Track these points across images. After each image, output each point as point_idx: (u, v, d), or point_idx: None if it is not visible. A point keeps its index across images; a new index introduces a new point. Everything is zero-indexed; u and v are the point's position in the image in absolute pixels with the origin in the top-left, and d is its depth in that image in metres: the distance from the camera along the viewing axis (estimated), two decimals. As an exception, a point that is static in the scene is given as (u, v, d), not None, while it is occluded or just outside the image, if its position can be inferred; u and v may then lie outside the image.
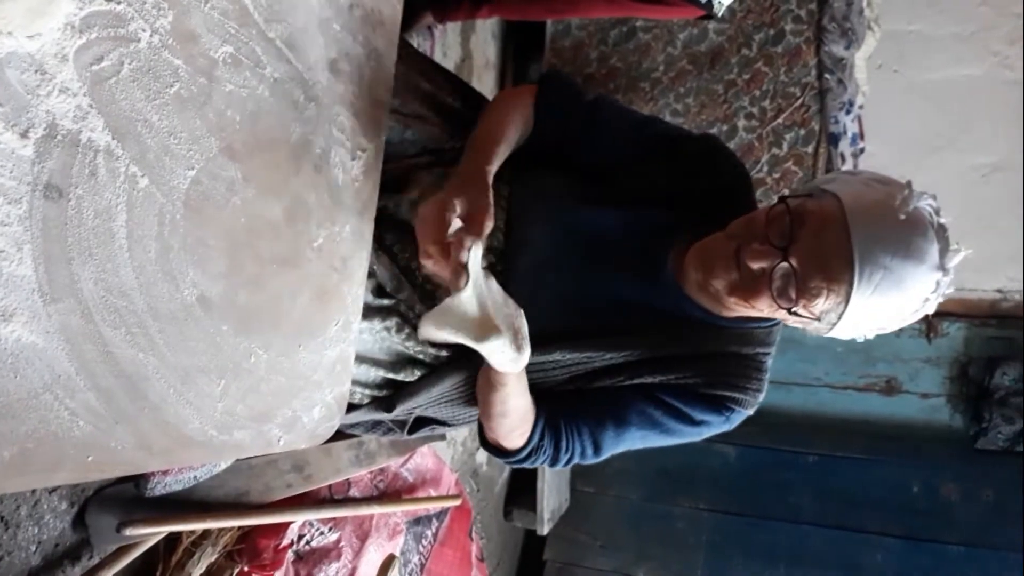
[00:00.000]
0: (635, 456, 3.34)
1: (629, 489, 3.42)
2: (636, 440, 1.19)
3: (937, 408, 3.16)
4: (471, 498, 2.86)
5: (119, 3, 0.74)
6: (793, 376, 3.30)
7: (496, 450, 1.20)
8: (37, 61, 0.68)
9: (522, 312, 0.96)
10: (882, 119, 2.87)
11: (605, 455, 1.21)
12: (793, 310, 1.01)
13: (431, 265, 0.98)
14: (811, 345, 3.29)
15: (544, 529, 3.20)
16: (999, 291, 3.07)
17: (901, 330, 3.03)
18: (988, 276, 3.06)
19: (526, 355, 0.96)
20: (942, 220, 1.00)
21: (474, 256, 0.91)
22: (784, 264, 0.99)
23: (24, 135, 0.67)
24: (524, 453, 1.17)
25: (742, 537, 3.22)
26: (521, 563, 3.58)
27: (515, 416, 1.12)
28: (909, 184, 1.04)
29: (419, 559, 1.81)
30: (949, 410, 3.15)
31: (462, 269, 0.92)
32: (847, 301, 0.98)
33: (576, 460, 1.20)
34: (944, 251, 0.97)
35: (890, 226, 0.96)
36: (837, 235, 0.97)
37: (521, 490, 3.36)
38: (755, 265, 1.01)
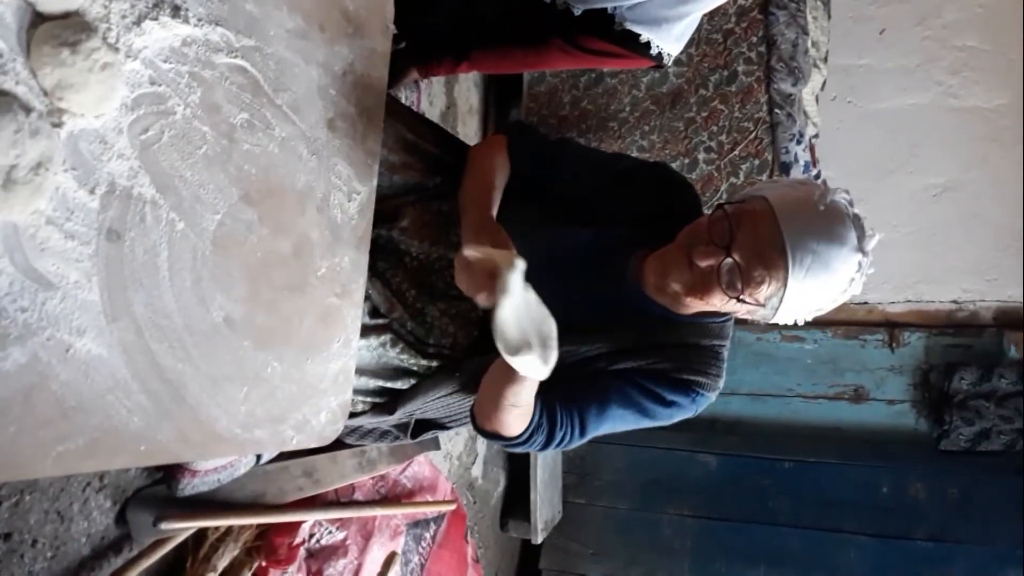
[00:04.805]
0: (623, 468, 3.52)
1: (618, 500, 3.56)
2: (616, 420, 1.31)
3: (903, 413, 3.30)
4: (468, 510, 3.00)
5: (160, 85, 0.93)
6: (767, 388, 3.45)
7: (493, 436, 1.28)
8: (101, 134, 0.86)
9: (554, 324, 1.04)
10: (839, 146, 3.06)
11: (590, 434, 1.32)
12: (741, 298, 1.15)
13: (484, 300, 1.10)
14: (783, 358, 3.44)
15: (538, 538, 3.33)
16: (955, 302, 3.23)
17: (866, 341, 3.23)
18: (944, 288, 3.23)
19: (551, 365, 1.04)
20: (856, 211, 1.15)
21: (515, 278, 1.01)
22: (728, 259, 1.13)
23: (92, 192, 0.86)
24: (523, 437, 1.25)
25: (725, 541, 3.35)
26: (518, 572, 3.71)
27: (523, 409, 1.20)
28: (824, 182, 1.22)
29: (419, 559, 1.96)
30: (914, 415, 3.29)
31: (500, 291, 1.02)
32: (785, 285, 1.12)
33: (566, 441, 1.31)
34: (861, 236, 1.13)
35: (813, 216, 1.12)
36: (770, 229, 1.12)
37: (516, 502, 3.50)
38: (704, 263, 1.16)
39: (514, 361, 1.02)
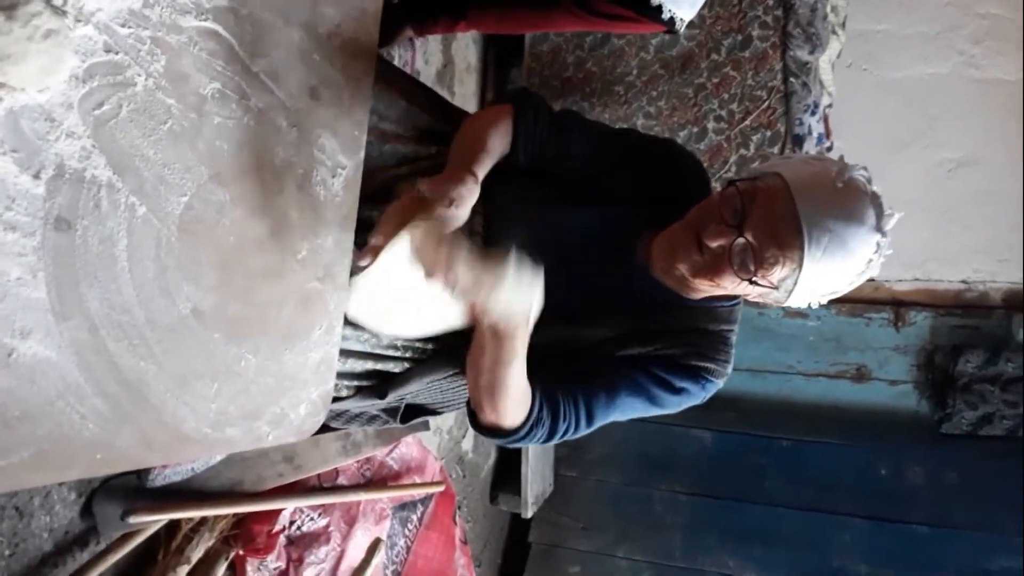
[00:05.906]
0: (616, 442, 3.47)
1: (610, 474, 3.52)
2: (625, 408, 1.26)
3: (905, 394, 3.25)
4: (457, 484, 2.96)
5: (117, 53, 0.83)
6: (767, 364, 3.39)
7: (492, 431, 1.20)
8: (46, 111, 0.77)
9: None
10: (852, 116, 2.95)
11: (597, 424, 1.26)
12: (753, 279, 1.09)
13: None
14: (784, 334, 3.37)
15: (528, 513, 3.30)
16: (964, 282, 3.17)
17: (871, 319, 3.16)
18: (954, 267, 3.16)
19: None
20: (875, 189, 1.09)
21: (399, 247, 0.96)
22: (741, 239, 1.07)
23: (36, 176, 0.76)
24: (525, 429, 1.18)
25: (718, 519, 3.32)
26: (507, 545, 3.68)
27: (517, 392, 1.13)
28: (842, 158, 1.14)
29: (405, 542, 1.92)
30: (916, 396, 3.25)
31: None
32: (800, 266, 1.06)
33: (571, 431, 1.24)
34: (880, 215, 1.07)
35: (830, 194, 1.06)
36: (785, 207, 1.06)
37: (506, 475, 3.46)
38: (714, 243, 1.10)
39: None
